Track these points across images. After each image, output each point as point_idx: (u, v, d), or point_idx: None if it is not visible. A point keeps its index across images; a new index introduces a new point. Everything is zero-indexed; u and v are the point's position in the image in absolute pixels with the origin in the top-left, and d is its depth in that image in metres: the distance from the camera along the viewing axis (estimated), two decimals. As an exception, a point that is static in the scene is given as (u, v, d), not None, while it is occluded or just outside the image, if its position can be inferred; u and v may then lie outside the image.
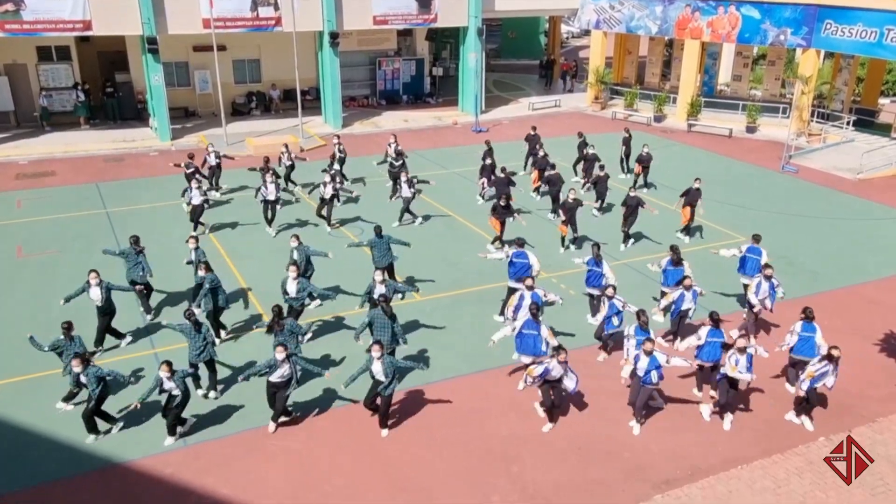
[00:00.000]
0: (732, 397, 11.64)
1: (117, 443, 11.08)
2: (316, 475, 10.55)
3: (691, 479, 10.56)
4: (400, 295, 13.65)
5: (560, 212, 18.14)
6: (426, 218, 20.37)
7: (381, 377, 10.91)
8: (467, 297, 15.93)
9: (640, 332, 11.91)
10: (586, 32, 40.06)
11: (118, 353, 13.39)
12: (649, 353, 11.13)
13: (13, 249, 18.03)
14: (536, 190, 22.13)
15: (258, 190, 18.93)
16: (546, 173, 20.75)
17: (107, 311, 13.27)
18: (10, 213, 20.51)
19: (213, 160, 21.38)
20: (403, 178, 19.80)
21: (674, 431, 11.59)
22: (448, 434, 11.45)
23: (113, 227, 19.39)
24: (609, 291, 13.11)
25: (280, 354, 10.82)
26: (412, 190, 19.65)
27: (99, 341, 13.38)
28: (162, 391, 10.78)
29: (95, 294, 13.03)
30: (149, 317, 14.66)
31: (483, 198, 21.93)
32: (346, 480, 10.45)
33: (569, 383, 11.38)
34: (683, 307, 13.48)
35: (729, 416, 11.73)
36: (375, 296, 12.93)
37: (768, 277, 13.59)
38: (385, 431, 11.43)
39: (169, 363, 10.65)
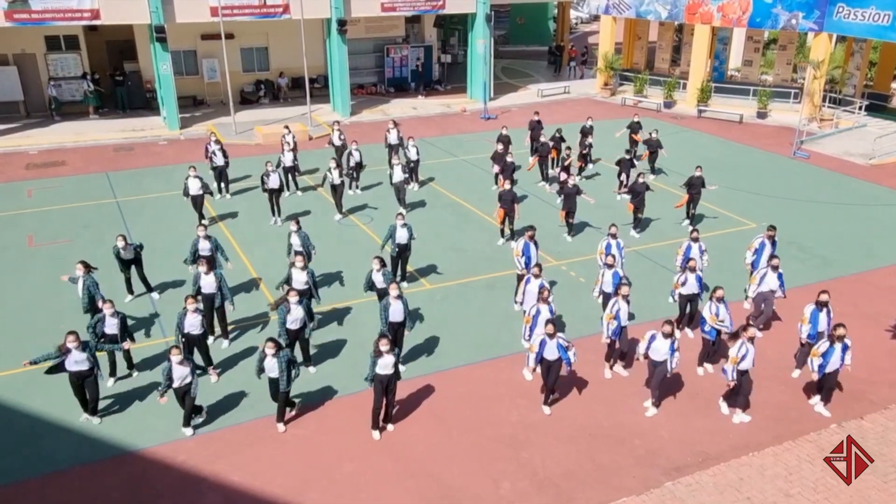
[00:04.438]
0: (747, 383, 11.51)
1: (130, 431, 11.15)
2: (325, 461, 10.60)
3: (702, 465, 10.55)
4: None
5: (561, 199, 17.89)
6: (434, 205, 20.35)
7: (388, 370, 10.71)
8: (476, 284, 15.92)
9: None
10: (595, 18, 39.75)
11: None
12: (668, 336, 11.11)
13: (25, 239, 18.13)
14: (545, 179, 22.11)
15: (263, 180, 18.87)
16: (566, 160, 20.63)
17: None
18: (22, 203, 20.61)
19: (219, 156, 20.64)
20: (395, 161, 19.86)
21: (685, 418, 11.58)
22: (458, 421, 11.48)
23: (123, 217, 19.45)
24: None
25: (270, 349, 10.70)
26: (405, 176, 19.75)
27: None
28: (171, 379, 10.62)
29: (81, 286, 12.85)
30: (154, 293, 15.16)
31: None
32: (355, 467, 10.50)
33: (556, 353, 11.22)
34: (685, 291, 13.42)
35: (737, 410, 11.60)
36: (378, 286, 12.81)
37: (776, 269, 13.44)
38: (391, 426, 11.32)
39: (177, 346, 10.68)
